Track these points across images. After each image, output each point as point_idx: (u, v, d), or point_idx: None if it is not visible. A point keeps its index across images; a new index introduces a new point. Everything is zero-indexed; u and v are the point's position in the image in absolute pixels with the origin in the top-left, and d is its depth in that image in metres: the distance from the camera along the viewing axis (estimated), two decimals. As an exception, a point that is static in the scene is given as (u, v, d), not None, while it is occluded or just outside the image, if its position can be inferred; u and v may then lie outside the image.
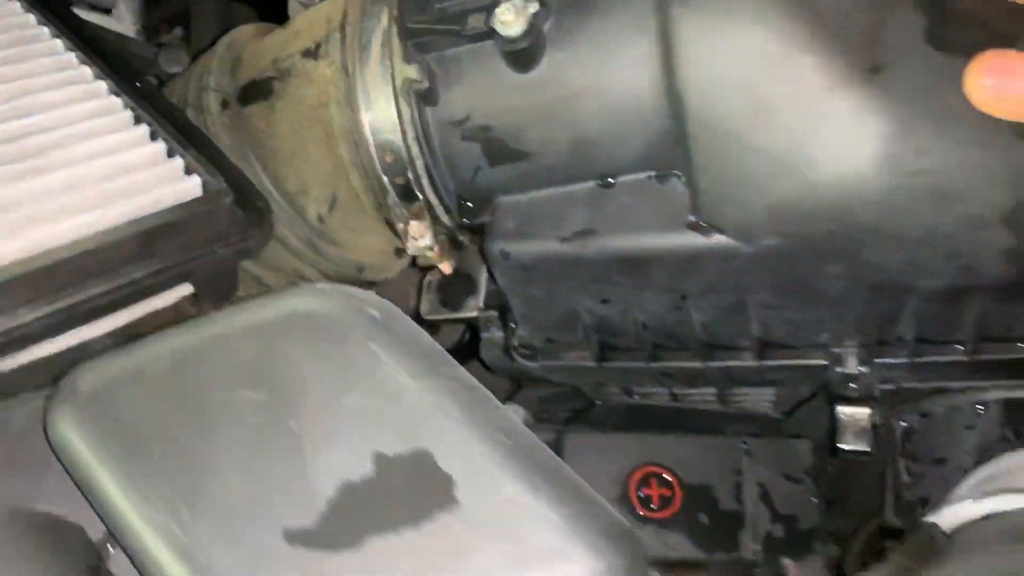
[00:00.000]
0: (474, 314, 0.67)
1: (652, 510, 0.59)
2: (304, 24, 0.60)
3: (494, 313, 0.66)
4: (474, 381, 0.38)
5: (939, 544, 0.51)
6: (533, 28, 0.50)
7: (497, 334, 0.67)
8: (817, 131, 0.47)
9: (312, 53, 0.58)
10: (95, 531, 0.38)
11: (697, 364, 0.62)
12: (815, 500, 0.59)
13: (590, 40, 0.52)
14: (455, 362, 0.38)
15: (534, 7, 0.50)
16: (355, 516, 0.33)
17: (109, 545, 0.39)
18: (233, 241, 0.46)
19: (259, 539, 0.33)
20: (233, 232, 0.46)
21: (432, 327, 0.65)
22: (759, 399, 0.72)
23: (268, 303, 0.39)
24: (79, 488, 0.37)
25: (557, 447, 0.61)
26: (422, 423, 0.35)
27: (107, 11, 0.66)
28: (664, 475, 0.59)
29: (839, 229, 0.49)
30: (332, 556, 0.32)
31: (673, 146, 0.52)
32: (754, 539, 0.59)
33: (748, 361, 0.61)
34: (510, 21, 0.50)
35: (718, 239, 0.52)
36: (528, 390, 0.77)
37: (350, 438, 0.35)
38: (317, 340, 0.38)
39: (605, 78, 0.52)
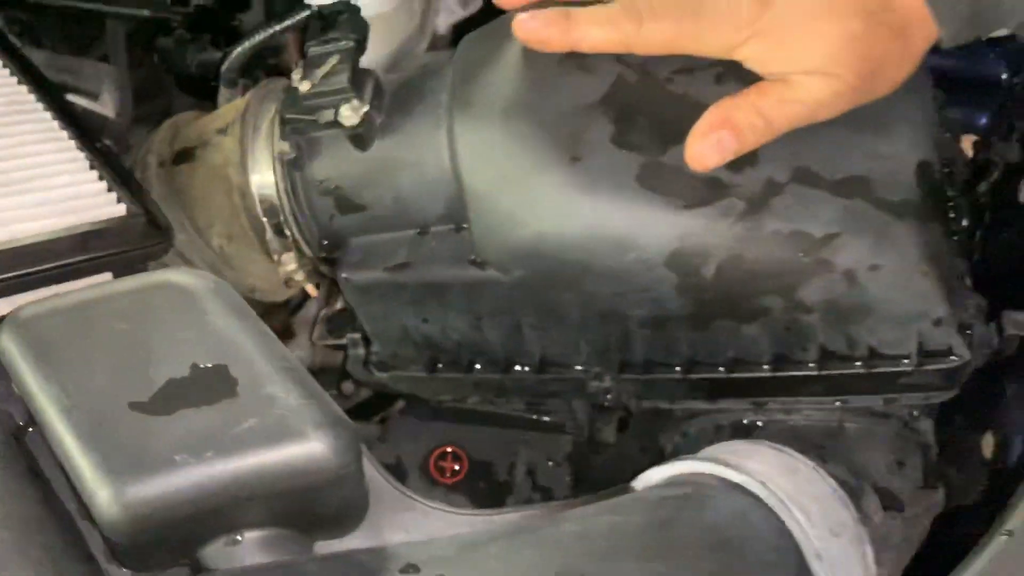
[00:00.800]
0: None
1: (445, 477, 0.79)
2: (223, 111, 0.84)
3: (358, 335, 0.87)
4: (266, 328, 0.59)
5: (627, 497, 0.70)
6: (366, 121, 0.74)
7: (360, 351, 0.88)
8: (536, 198, 0.68)
9: (223, 131, 0.81)
10: (19, 418, 0.60)
11: (497, 376, 0.83)
12: (568, 478, 0.79)
13: (407, 132, 0.74)
14: (257, 317, 0.60)
15: (366, 108, 0.74)
16: (174, 398, 0.54)
17: (30, 429, 0.60)
18: (142, 247, 0.68)
19: (113, 406, 0.54)
20: (143, 241, 0.69)
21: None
22: (562, 414, 0.92)
23: (147, 276, 0.62)
24: (12, 382, 0.58)
25: (385, 428, 0.82)
26: (225, 348, 0.56)
27: (94, 97, 0.91)
28: (457, 452, 0.80)
29: (560, 266, 0.70)
30: (156, 418, 0.53)
31: (461, 206, 0.74)
32: (505, 504, 0.79)
33: (530, 374, 0.82)
34: (349, 116, 0.73)
35: (490, 271, 0.74)
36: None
37: (178, 354, 0.56)
38: (171, 298, 0.59)
39: (416, 158, 0.74)
